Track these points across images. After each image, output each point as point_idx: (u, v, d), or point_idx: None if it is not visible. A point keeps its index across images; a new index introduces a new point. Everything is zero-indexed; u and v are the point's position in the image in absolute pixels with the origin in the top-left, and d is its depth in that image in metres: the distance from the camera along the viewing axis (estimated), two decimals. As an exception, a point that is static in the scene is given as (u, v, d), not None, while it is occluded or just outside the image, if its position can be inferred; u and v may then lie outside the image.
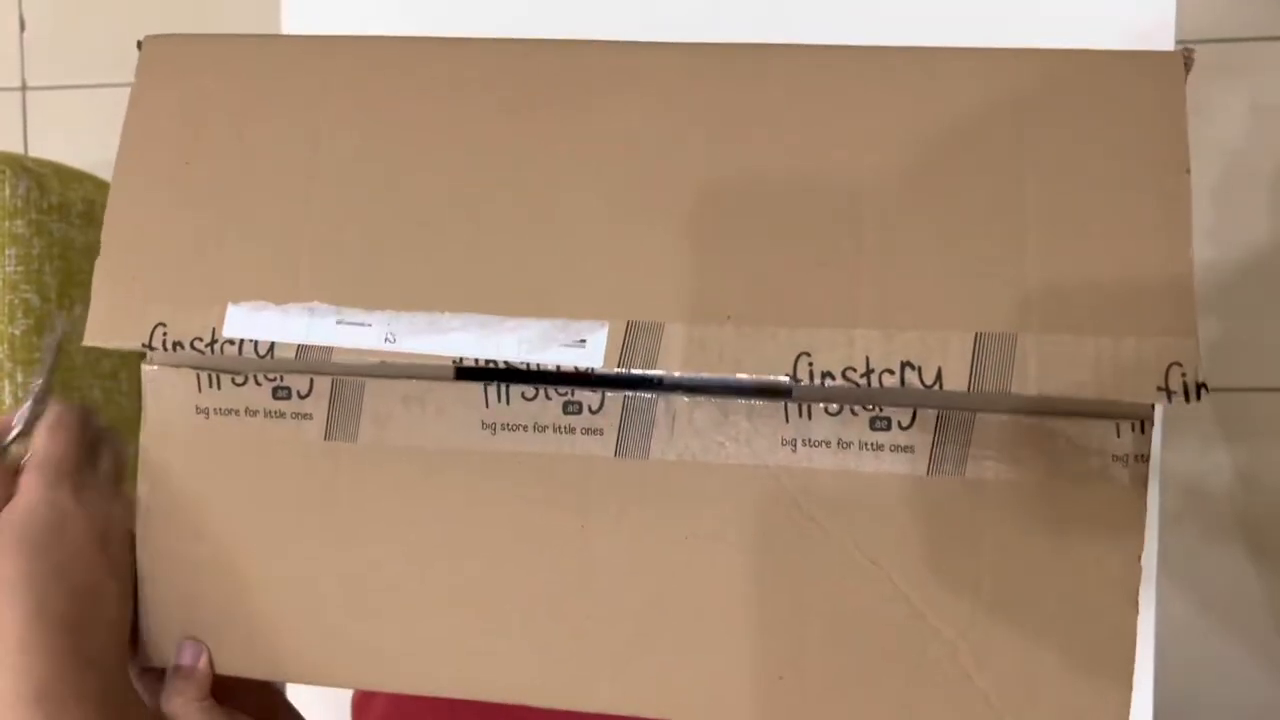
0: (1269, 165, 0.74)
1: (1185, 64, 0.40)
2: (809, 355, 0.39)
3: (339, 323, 0.41)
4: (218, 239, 0.43)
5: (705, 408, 0.44)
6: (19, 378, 0.54)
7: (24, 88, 0.84)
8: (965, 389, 0.38)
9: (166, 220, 0.43)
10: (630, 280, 0.40)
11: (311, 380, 0.44)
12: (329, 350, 0.41)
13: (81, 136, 0.45)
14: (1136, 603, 0.42)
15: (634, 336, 0.40)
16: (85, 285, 0.42)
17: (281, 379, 0.44)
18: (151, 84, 0.45)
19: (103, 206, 0.44)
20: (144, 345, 0.42)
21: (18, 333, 0.54)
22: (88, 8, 0.86)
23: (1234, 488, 0.76)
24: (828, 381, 0.38)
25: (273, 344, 0.41)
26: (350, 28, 0.59)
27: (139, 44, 0.45)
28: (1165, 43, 0.53)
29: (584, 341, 0.40)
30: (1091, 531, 0.42)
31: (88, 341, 0.43)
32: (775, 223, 0.40)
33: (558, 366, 0.40)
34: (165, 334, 0.42)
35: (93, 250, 0.43)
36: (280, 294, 0.42)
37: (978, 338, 0.38)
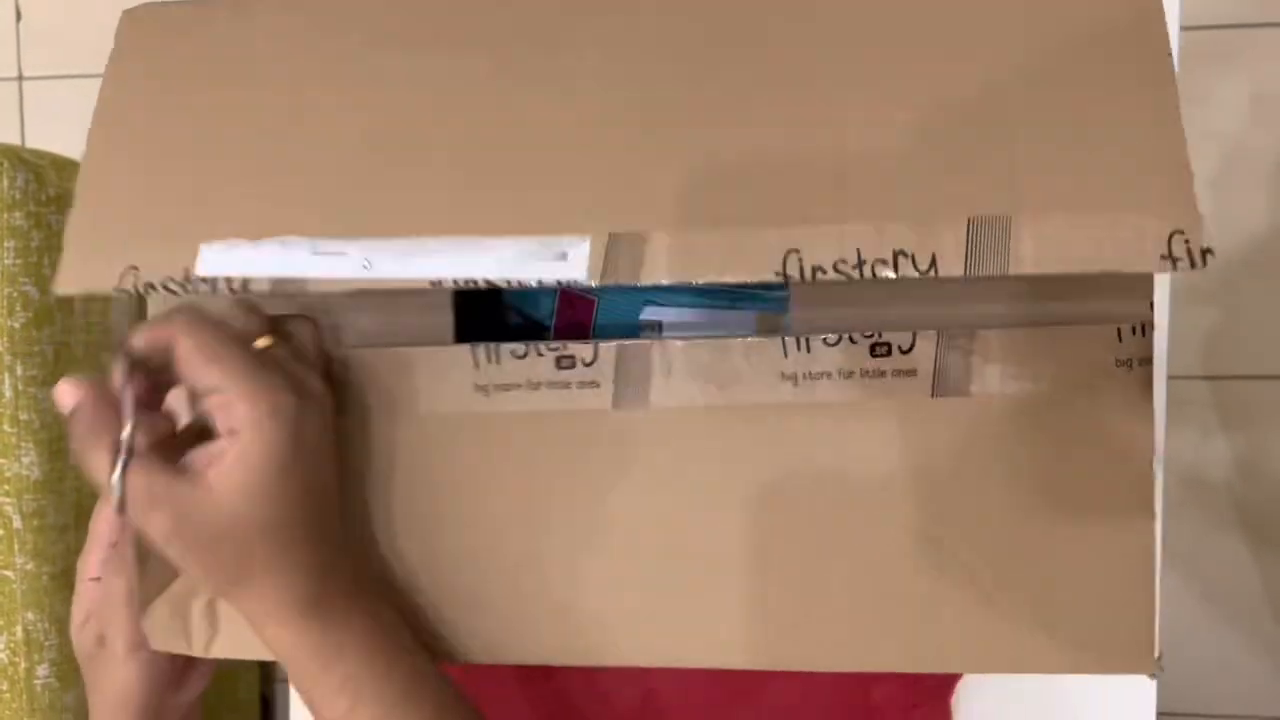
0: (1269, 154, 0.74)
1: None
2: (798, 251, 0.37)
3: (314, 254, 0.40)
4: (192, 187, 0.42)
5: (700, 350, 0.42)
6: (19, 370, 0.53)
7: (20, 78, 0.86)
8: (961, 273, 0.36)
9: (141, 172, 0.43)
10: (611, 194, 0.39)
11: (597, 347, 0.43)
12: (304, 282, 0.40)
13: (78, 126, 0.45)
14: (1153, 509, 0.39)
15: (617, 247, 0.38)
16: None
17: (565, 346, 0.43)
18: (130, 48, 0.45)
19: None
20: (115, 289, 0.41)
21: (17, 325, 0.53)
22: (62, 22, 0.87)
23: (1233, 476, 0.73)
24: (819, 275, 0.37)
25: (246, 280, 0.40)
26: None
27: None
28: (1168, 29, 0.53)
29: (565, 255, 0.39)
30: (1101, 439, 0.40)
31: (58, 289, 0.41)
32: (760, 125, 0.40)
33: (539, 282, 0.38)
34: (136, 276, 0.41)
35: None
36: (254, 232, 0.41)
37: (970, 222, 0.37)
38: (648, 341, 0.43)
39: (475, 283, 0.39)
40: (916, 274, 0.37)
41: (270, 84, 0.43)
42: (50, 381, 0.54)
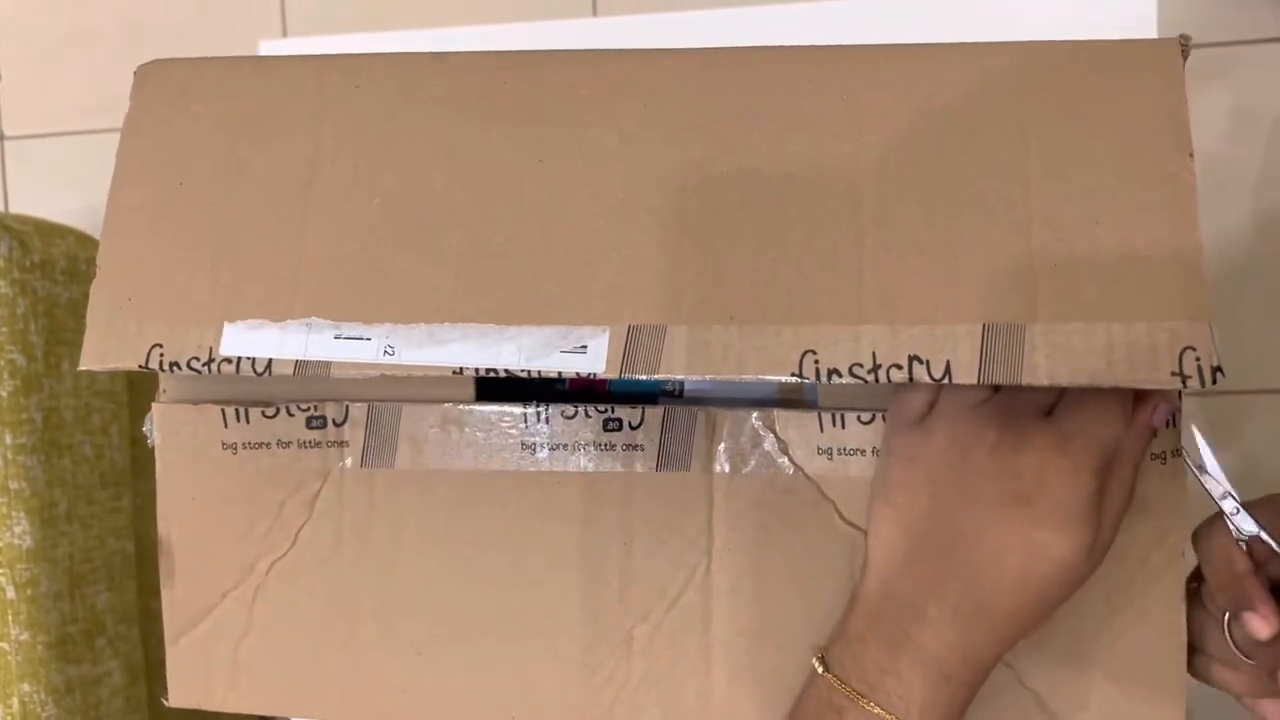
0: (1251, 169, 0.74)
1: (1183, 51, 0.40)
2: (814, 353, 0.38)
3: (337, 337, 0.41)
4: (214, 259, 0.43)
5: (743, 418, 0.43)
6: (9, 439, 0.53)
7: (1, 137, 0.84)
8: (975, 381, 0.37)
9: (162, 241, 0.43)
10: (630, 285, 0.40)
11: (347, 407, 0.45)
12: (327, 365, 0.40)
13: (61, 184, 0.44)
14: (1183, 600, 0.41)
15: (635, 340, 0.39)
16: (72, 343, 0.41)
17: (315, 408, 0.45)
18: (146, 108, 0.45)
19: (86, 261, 0.43)
20: (140, 366, 0.41)
21: (5, 394, 0.53)
22: (63, 55, 0.86)
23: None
24: (834, 378, 0.38)
25: (270, 360, 0.41)
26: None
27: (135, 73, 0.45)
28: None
29: (585, 348, 0.39)
30: (1132, 528, 0.41)
31: (84, 365, 0.42)
32: (776, 222, 0.40)
33: (559, 373, 0.39)
34: (162, 354, 0.41)
35: (78, 306, 0.42)
36: (277, 311, 0.41)
37: (985, 329, 0.37)
38: (693, 409, 0.44)
39: (496, 372, 0.39)
40: (931, 381, 0.37)
41: (289, 154, 0.43)
42: (39, 449, 0.52)
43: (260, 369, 0.41)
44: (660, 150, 0.41)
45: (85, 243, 0.53)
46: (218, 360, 0.41)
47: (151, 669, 0.55)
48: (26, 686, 0.52)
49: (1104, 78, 0.40)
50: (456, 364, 0.40)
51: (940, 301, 0.38)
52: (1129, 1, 0.56)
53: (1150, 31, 0.55)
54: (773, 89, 0.41)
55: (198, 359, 0.41)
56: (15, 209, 0.58)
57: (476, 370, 0.40)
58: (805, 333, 0.38)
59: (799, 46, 0.42)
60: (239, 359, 0.41)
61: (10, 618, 0.53)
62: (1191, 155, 0.38)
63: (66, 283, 0.54)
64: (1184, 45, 0.40)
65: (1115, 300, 0.37)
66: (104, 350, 0.42)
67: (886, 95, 0.41)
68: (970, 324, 0.38)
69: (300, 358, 0.41)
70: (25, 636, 0.53)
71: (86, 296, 0.46)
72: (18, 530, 0.53)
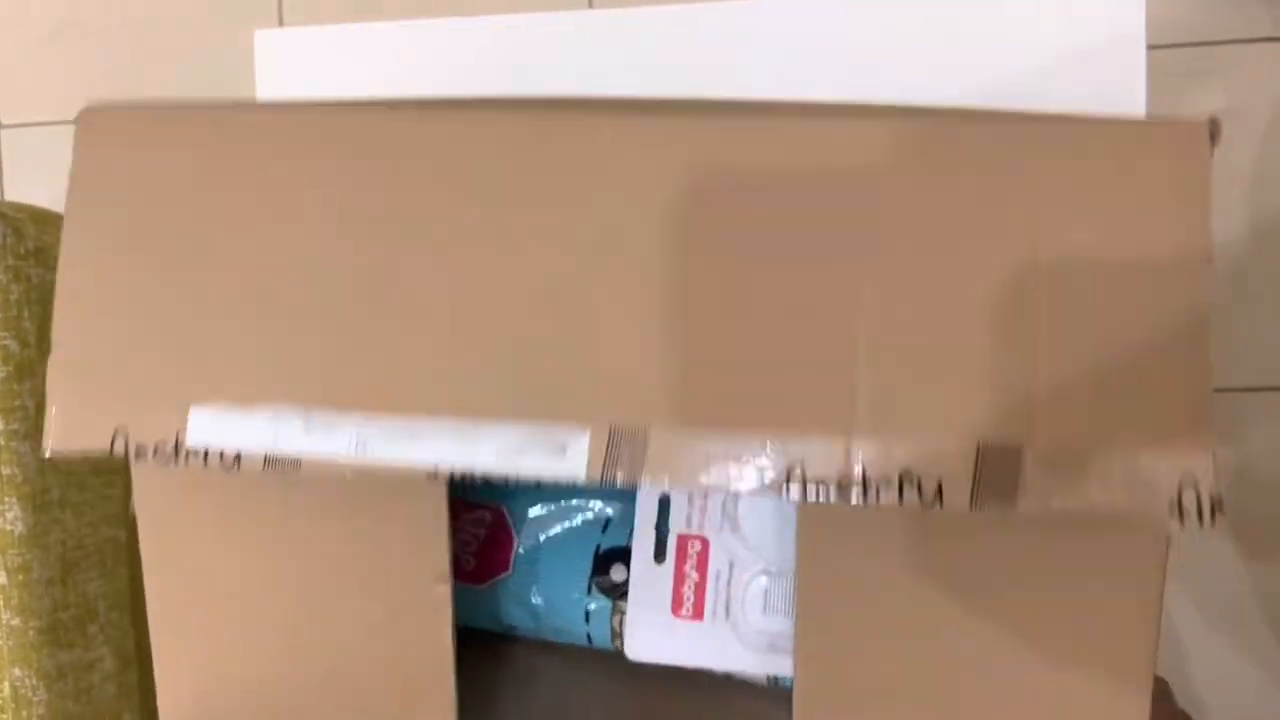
0: (1243, 168, 0.71)
1: (1212, 136, 0.37)
2: (802, 465, 0.37)
3: (307, 429, 0.39)
4: (177, 331, 0.41)
5: None
6: (0, 425, 0.53)
7: None
8: (967, 507, 0.36)
9: (120, 312, 0.41)
10: (614, 380, 0.38)
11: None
12: (298, 462, 0.39)
13: (56, 173, 0.43)
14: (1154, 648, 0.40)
15: (617, 443, 0.37)
16: None
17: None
18: (93, 162, 0.42)
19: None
20: (106, 452, 0.40)
21: None
22: (58, 44, 0.81)
23: (1224, 486, 0.75)
24: (821, 496, 0.36)
25: (239, 454, 0.39)
26: (325, 75, 0.55)
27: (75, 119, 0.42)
28: (1135, 47, 0.48)
29: (564, 449, 0.38)
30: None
31: (49, 450, 0.41)
32: (766, 321, 0.38)
33: (538, 480, 0.38)
34: (127, 439, 0.40)
35: None
36: (245, 393, 0.40)
37: (980, 450, 0.36)
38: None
39: (473, 473, 0.38)
40: (918, 502, 0.36)
41: (254, 221, 0.40)
42: (31, 435, 0.52)
43: (229, 464, 0.40)
44: (651, 240, 0.38)
45: None
46: (185, 451, 0.40)
47: (143, 656, 0.53)
48: (18, 671, 0.53)
49: (1124, 166, 0.37)
50: (431, 463, 0.38)
51: (935, 414, 0.36)
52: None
53: (1139, 27, 0.51)
54: (774, 170, 0.38)
55: (165, 444, 0.40)
56: (10, 198, 0.56)
57: (452, 470, 0.38)
58: (793, 445, 0.37)
59: (807, 113, 0.39)
60: (206, 451, 0.40)
61: (2, 603, 0.54)
62: (1211, 261, 0.36)
63: None
64: (1213, 130, 0.37)
65: (1117, 425, 0.36)
66: (69, 433, 0.41)
67: (892, 177, 0.38)
68: (965, 440, 0.36)
69: (270, 452, 0.39)
70: (17, 622, 0.54)
71: None
72: (10, 516, 0.53)
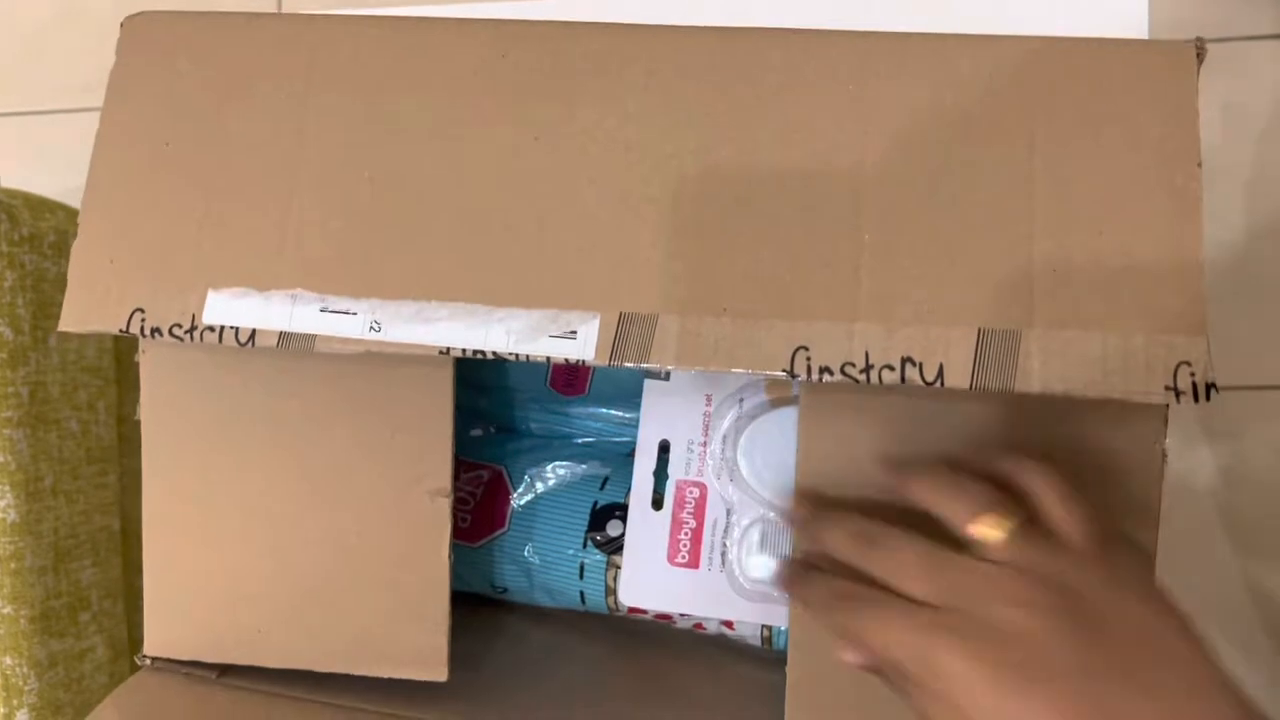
0: (1243, 165, 0.73)
1: (1198, 55, 0.39)
2: (807, 349, 0.37)
3: (323, 310, 0.40)
4: (199, 224, 0.42)
5: None
6: None
7: None
8: (967, 386, 0.37)
9: (146, 204, 0.42)
10: (623, 272, 0.39)
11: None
12: (311, 339, 0.40)
13: (51, 162, 0.43)
14: None
15: (626, 328, 0.38)
16: (59, 317, 0.40)
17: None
18: (132, 63, 0.44)
19: (75, 237, 0.41)
20: (121, 330, 0.41)
21: None
22: (53, 32, 0.84)
23: (1216, 485, 0.75)
24: (825, 377, 0.37)
25: (254, 331, 0.40)
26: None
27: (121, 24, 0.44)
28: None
29: (575, 333, 0.39)
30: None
31: (63, 327, 0.41)
32: (774, 215, 0.39)
33: (547, 358, 0.39)
34: (144, 319, 0.41)
35: (65, 282, 0.41)
36: (263, 280, 0.41)
37: (980, 334, 0.37)
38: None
39: (484, 354, 0.39)
40: (922, 384, 0.37)
41: (278, 121, 0.42)
42: (25, 422, 0.52)
43: (244, 340, 0.40)
44: (661, 135, 0.40)
45: (74, 218, 0.51)
46: (200, 328, 0.40)
47: (135, 645, 0.55)
48: (9, 660, 0.53)
49: (1116, 81, 0.39)
50: (444, 344, 0.39)
51: (936, 302, 0.37)
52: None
53: (1141, 24, 0.54)
54: (780, 75, 0.40)
55: (180, 325, 0.41)
56: (5, 185, 0.58)
57: (464, 351, 0.39)
58: (798, 328, 0.38)
59: (809, 31, 0.41)
60: (222, 328, 0.40)
61: (-7, 590, 0.54)
62: (1199, 165, 0.38)
63: (55, 257, 0.53)
64: (1199, 49, 0.39)
65: (1114, 312, 0.37)
66: (84, 313, 0.41)
67: (894, 89, 0.40)
68: (965, 327, 0.37)
69: (285, 329, 0.40)
70: (8, 610, 0.53)
71: None
72: (2, 504, 0.53)
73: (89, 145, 0.43)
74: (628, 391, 0.51)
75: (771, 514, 0.46)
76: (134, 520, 0.45)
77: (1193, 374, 0.35)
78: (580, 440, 0.52)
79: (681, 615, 0.49)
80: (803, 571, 0.39)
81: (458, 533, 0.49)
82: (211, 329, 0.40)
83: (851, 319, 0.38)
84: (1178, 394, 0.36)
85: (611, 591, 0.48)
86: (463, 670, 0.44)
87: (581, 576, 0.49)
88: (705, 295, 0.38)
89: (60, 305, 0.41)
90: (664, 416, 0.47)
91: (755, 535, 0.46)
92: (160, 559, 0.45)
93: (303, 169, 0.41)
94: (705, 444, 0.47)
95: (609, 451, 0.51)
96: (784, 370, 0.37)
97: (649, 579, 0.46)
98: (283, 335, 0.40)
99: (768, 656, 0.49)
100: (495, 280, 0.39)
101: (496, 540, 0.50)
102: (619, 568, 0.47)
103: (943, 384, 0.37)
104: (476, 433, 0.54)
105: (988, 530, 0.34)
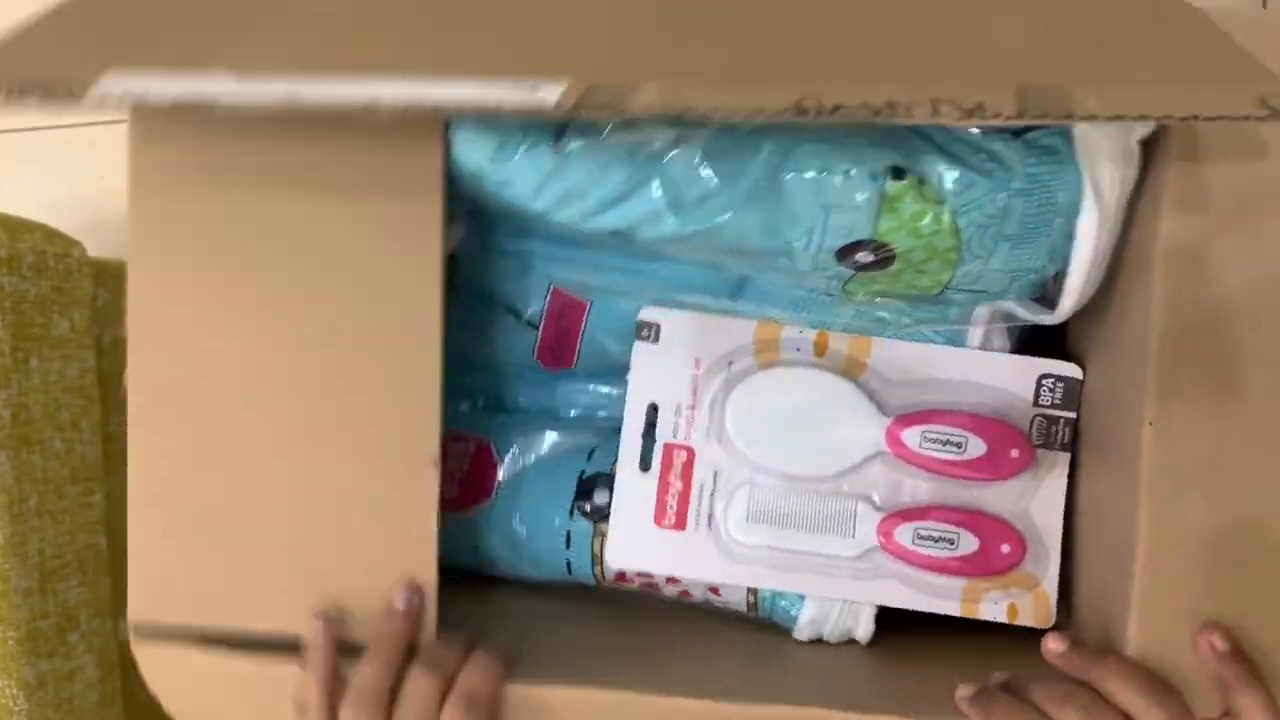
0: None
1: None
2: (815, 95, 0.31)
3: (238, 84, 0.34)
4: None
5: None
6: None
7: None
8: (1014, 113, 0.30)
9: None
10: (597, 44, 0.34)
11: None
12: (213, 102, 0.33)
13: (29, 181, 0.43)
14: None
15: (597, 89, 0.32)
16: (40, 339, 0.43)
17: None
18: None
19: (54, 257, 0.43)
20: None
21: None
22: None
23: None
24: (840, 112, 0.30)
25: (145, 92, 0.33)
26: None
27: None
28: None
29: (536, 89, 0.32)
30: None
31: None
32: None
33: (498, 104, 0.32)
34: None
35: (46, 302, 0.44)
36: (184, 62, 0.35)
37: (1020, 90, 0.31)
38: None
39: (422, 105, 0.32)
40: (959, 114, 0.30)
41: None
42: (8, 444, 0.53)
43: (130, 98, 0.33)
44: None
45: (53, 238, 0.53)
46: (82, 93, 0.33)
47: (125, 663, 0.55)
48: None
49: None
50: (369, 98, 0.32)
51: (966, 64, 0.32)
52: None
53: None
54: None
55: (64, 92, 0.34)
56: None
57: (393, 107, 0.32)
58: (806, 86, 0.32)
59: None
60: (108, 94, 0.33)
61: (-21, 613, 0.53)
62: None
63: (34, 278, 0.53)
64: None
65: (1172, 68, 0.32)
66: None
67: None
68: (1003, 86, 0.31)
69: (180, 92, 0.33)
70: None
71: (54, 291, 0.50)
72: None
73: (66, 160, 0.41)
74: (616, 365, 0.49)
75: (759, 477, 0.45)
76: (121, 537, 0.42)
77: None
78: (568, 414, 0.52)
79: (668, 582, 0.48)
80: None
81: (446, 503, 0.47)
82: (100, 93, 0.33)
83: (865, 81, 0.32)
84: (1273, 111, 0.29)
85: (598, 560, 0.48)
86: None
87: (568, 546, 0.48)
88: (693, 61, 0.33)
89: (40, 326, 0.46)
90: (652, 379, 0.47)
91: (743, 498, 0.46)
92: (145, 521, 0.42)
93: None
94: (694, 407, 0.46)
95: (597, 426, 0.51)
96: (789, 109, 0.31)
97: (636, 541, 0.46)
98: (177, 99, 0.33)
99: (754, 620, 0.48)
100: (447, 56, 0.34)
101: (483, 510, 0.50)
102: (604, 535, 0.47)
103: (984, 115, 0.30)
104: (464, 407, 0.53)
105: None
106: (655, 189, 0.42)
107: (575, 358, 0.50)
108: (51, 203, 0.53)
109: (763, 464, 0.44)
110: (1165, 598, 0.40)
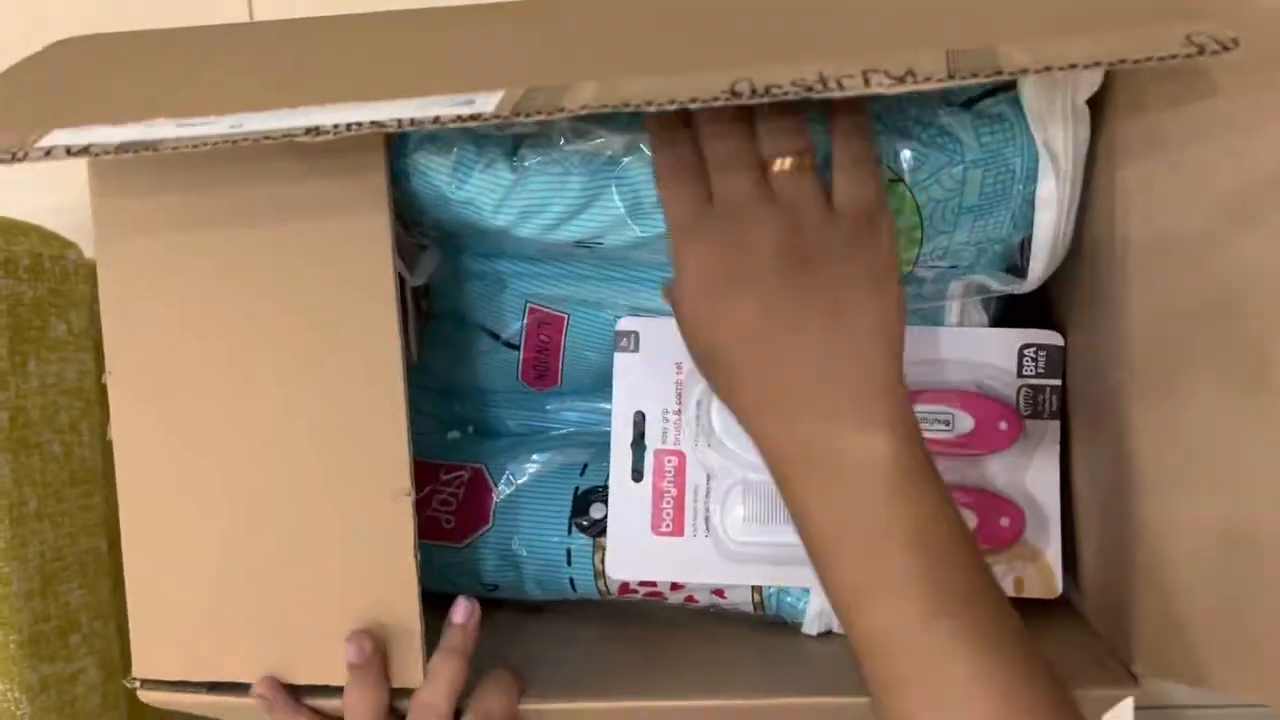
0: None
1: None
2: (748, 79, 0.31)
3: (179, 127, 0.34)
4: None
5: None
6: None
7: None
8: (944, 79, 0.30)
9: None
10: (527, 56, 0.34)
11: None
12: (157, 143, 0.33)
13: (24, 185, 0.43)
14: None
15: (534, 93, 0.33)
16: (37, 341, 0.42)
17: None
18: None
19: (50, 259, 0.43)
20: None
21: None
22: (20, 52, 0.84)
23: None
24: (774, 92, 0.31)
25: (89, 145, 0.34)
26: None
27: None
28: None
29: (472, 101, 0.33)
30: None
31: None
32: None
33: (436, 119, 0.32)
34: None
35: (42, 304, 0.43)
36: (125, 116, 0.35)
37: (950, 54, 0.31)
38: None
39: (359, 126, 0.32)
40: (890, 81, 0.30)
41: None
42: (7, 447, 0.52)
43: (75, 152, 0.33)
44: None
45: (49, 240, 0.53)
46: (31, 151, 0.34)
47: (127, 665, 0.50)
48: (0, 685, 0.53)
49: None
50: (309, 125, 0.33)
51: (893, 35, 0.32)
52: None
53: None
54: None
55: (9, 152, 0.34)
56: None
57: (335, 128, 0.32)
58: (739, 71, 0.32)
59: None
60: (54, 148, 0.34)
61: (-19, 617, 0.52)
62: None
63: (31, 280, 0.53)
64: None
65: (1095, 18, 0.32)
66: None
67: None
68: (932, 49, 0.32)
69: (123, 140, 0.34)
70: None
71: (51, 294, 0.48)
72: None
73: (63, 168, 0.41)
74: (601, 380, 0.49)
75: (752, 475, 0.46)
76: (121, 539, 0.43)
77: (1208, 35, 0.30)
78: (557, 432, 0.52)
79: (672, 589, 0.48)
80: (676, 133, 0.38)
81: (441, 534, 0.49)
82: (45, 149, 0.34)
83: (795, 60, 0.32)
84: (1200, 48, 0.29)
85: (600, 574, 0.48)
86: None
87: (569, 563, 0.49)
88: (628, 62, 0.33)
89: (38, 328, 0.45)
90: (636, 388, 0.47)
91: (737, 498, 0.46)
92: (142, 577, 0.43)
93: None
94: (680, 411, 0.47)
95: (587, 441, 0.51)
96: (723, 94, 0.31)
97: (635, 551, 0.46)
98: (121, 146, 0.33)
99: (761, 620, 0.49)
100: (381, 86, 0.34)
101: (482, 537, 0.49)
102: (605, 549, 0.47)
103: (915, 80, 0.30)
104: (454, 435, 0.54)
105: (779, 163, 0.37)
106: (614, 196, 0.42)
107: (559, 376, 0.51)
108: (37, 210, 0.53)
109: (754, 461, 0.43)
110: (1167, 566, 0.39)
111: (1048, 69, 0.29)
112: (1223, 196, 0.34)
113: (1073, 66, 0.29)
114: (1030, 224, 0.43)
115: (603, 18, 0.39)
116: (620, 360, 0.47)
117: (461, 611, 0.42)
